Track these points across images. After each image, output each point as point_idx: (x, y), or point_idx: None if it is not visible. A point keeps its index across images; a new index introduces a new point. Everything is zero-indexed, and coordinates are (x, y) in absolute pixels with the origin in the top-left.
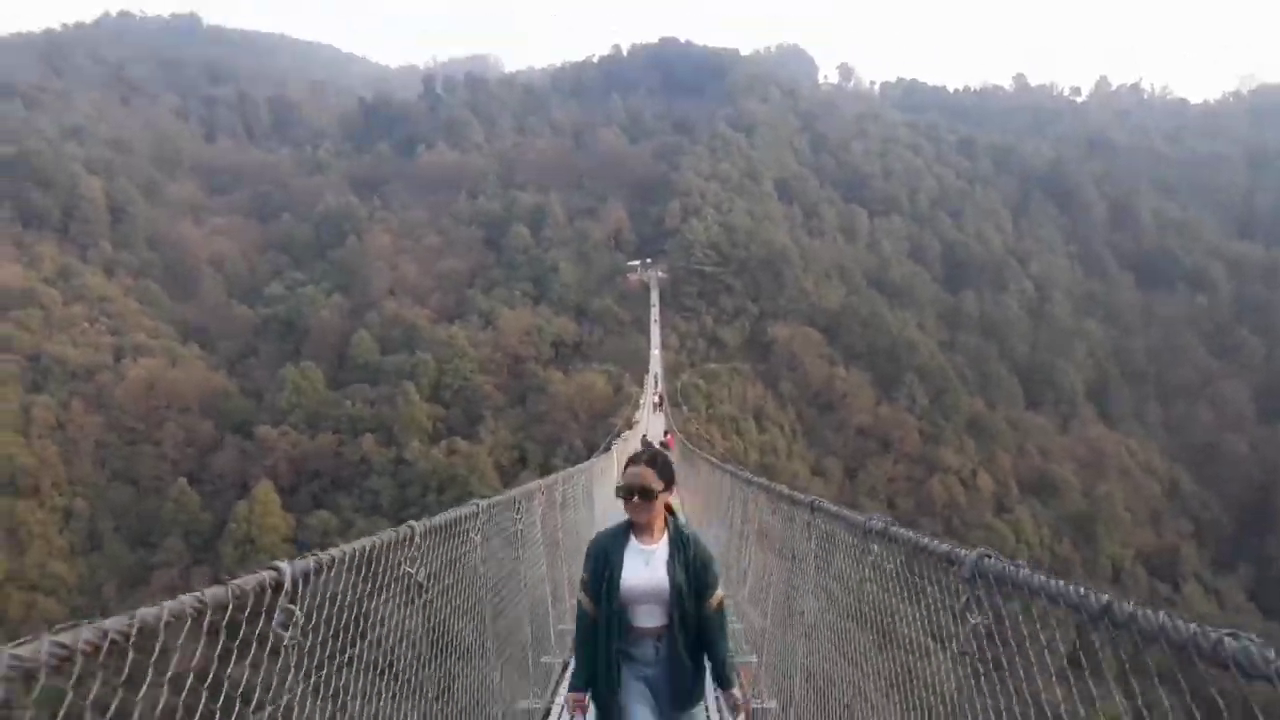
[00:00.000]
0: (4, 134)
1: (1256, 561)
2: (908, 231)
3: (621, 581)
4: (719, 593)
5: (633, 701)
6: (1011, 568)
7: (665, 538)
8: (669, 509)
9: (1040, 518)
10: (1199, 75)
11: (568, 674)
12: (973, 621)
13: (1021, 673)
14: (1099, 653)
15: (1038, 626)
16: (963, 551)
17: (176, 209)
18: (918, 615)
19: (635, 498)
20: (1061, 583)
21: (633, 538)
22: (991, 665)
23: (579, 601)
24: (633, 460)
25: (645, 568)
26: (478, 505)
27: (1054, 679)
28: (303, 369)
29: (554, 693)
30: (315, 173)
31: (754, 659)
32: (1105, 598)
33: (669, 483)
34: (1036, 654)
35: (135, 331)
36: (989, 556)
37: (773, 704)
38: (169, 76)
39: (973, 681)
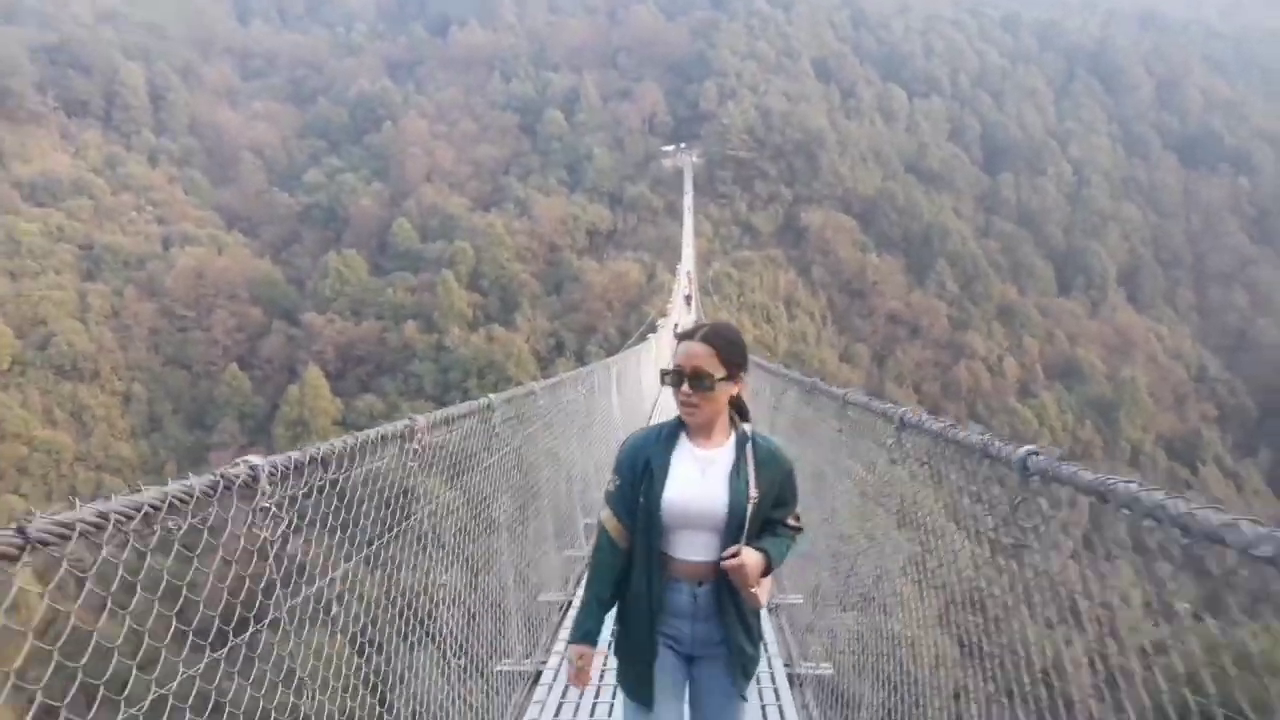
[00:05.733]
0: (42, 20)
1: (1278, 446)
2: (947, 113)
3: (665, 494)
4: (795, 511)
5: (660, 688)
6: (1058, 465)
7: (731, 442)
8: (737, 406)
9: (1064, 402)
10: None
11: (567, 618)
12: (1026, 524)
13: (1038, 556)
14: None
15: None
16: (1010, 448)
17: (213, 93)
18: (939, 499)
19: (686, 385)
20: (1112, 478)
21: (684, 437)
22: (1015, 548)
23: (600, 521)
24: (685, 335)
25: (700, 478)
26: (489, 399)
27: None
28: (345, 256)
29: (550, 641)
30: (349, 55)
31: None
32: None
33: (736, 367)
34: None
35: (181, 220)
36: (1036, 454)
37: (798, 599)
38: None
39: (996, 560)
